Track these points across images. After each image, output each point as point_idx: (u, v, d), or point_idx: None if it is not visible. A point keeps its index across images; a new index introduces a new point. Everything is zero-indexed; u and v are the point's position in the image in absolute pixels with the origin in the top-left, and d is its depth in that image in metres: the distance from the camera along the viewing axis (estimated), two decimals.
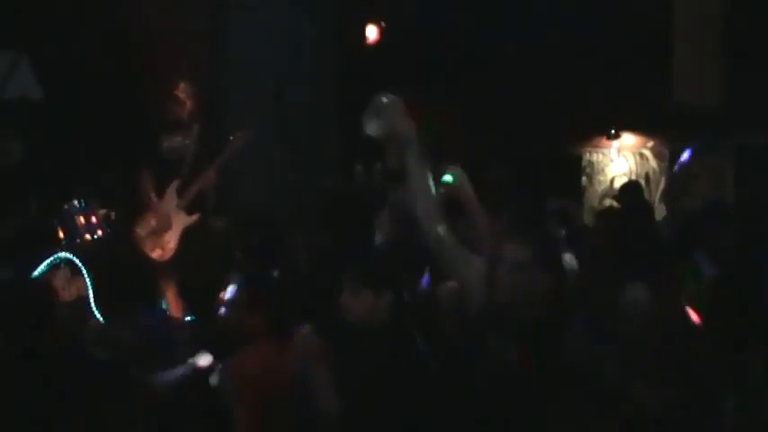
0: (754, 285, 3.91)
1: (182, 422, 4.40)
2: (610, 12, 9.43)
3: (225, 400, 4.19)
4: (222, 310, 4.86)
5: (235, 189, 7.73)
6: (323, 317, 4.23)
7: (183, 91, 6.72)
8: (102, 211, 6.36)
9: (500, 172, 6.60)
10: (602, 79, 9.74)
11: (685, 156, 5.95)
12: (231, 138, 6.70)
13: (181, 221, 6.61)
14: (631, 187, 8.08)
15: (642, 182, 10.04)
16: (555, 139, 10.66)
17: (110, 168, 7.46)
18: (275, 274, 5.53)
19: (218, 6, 8.69)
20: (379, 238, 5.59)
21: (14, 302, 3.99)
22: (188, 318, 5.44)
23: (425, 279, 4.99)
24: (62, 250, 5.21)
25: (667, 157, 10.46)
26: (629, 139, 10.98)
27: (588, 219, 8.99)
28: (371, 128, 3.77)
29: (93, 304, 4.97)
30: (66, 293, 4.85)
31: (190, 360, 4.59)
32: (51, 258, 4.94)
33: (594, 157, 11.15)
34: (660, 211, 9.38)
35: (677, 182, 6.13)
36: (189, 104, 6.73)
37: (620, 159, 11.01)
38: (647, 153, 10.90)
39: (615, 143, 10.98)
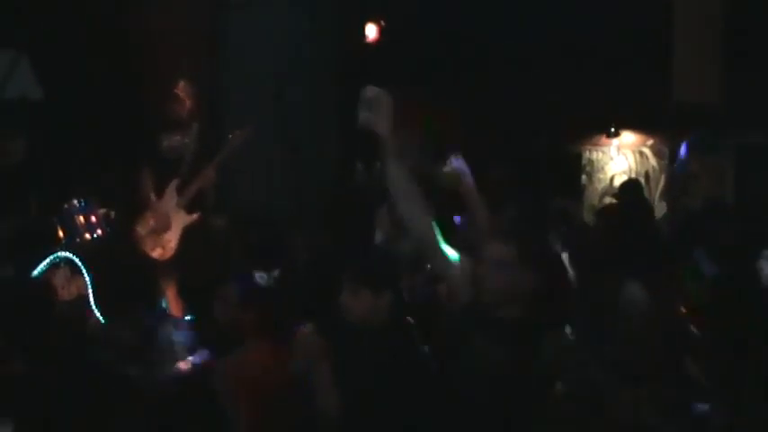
0: (753, 285, 3.91)
1: (182, 422, 4.40)
2: (610, 12, 9.43)
3: (220, 399, 4.18)
4: (216, 309, 4.85)
5: (234, 188, 7.72)
6: (323, 317, 4.23)
7: (182, 89, 6.72)
8: (102, 211, 6.35)
9: (500, 172, 6.60)
10: (601, 77, 9.74)
11: (682, 150, 5.96)
12: (230, 136, 6.70)
13: (181, 220, 6.61)
14: (631, 185, 8.08)
15: (642, 180, 10.04)
16: (555, 137, 10.67)
17: (110, 168, 7.46)
18: (275, 273, 5.54)
19: (218, 6, 8.68)
20: (379, 238, 5.59)
21: (14, 302, 4.01)
22: (188, 317, 5.43)
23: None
24: (62, 249, 5.21)
25: (667, 155, 10.47)
26: (628, 138, 10.98)
27: (588, 217, 8.99)
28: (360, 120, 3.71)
29: (92, 303, 4.97)
30: (66, 292, 4.84)
31: (189, 359, 4.59)
32: (51, 257, 4.94)
33: (594, 156, 11.15)
34: (660, 210, 9.40)
35: (677, 181, 6.13)
36: (188, 103, 6.74)
37: (620, 157, 11.01)
38: (647, 151, 10.91)
39: (615, 141, 10.99)
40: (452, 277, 3.62)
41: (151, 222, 6.58)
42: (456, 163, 4.29)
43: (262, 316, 4.24)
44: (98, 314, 4.95)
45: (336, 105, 8.76)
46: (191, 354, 4.72)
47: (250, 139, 6.72)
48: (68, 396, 3.66)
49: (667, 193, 7.70)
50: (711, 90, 8.40)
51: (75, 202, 6.25)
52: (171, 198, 6.64)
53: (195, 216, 6.64)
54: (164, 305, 5.87)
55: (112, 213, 6.45)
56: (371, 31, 9.55)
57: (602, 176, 11.07)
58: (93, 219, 6.25)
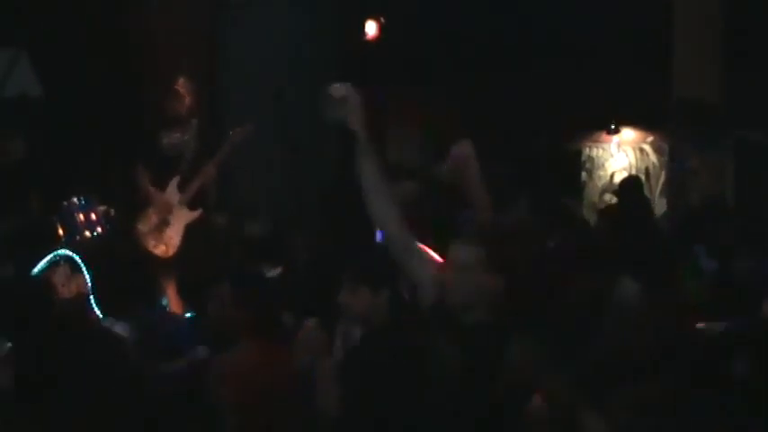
0: (752, 281, 3.91)
1: (181, 420, 4.40)
2: (610, 12, 9.43)
3: (215, 398, 4.18)
4: (211, 307, 4.84)
5: (234, 188, 7.73)
6: (323, 316, 4.24)
7: (182, 86, 6.72)
8: (102, 208, 6.36)
9: (500, 171, 6.59)
10: (602, 75, 9.75)
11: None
12: (231, 133, 6.71)
13: (184, 217, 6.61)
14: (631, 182, 8.06)
15: (642, 177, 10.03)
16: (555, 135, 10.67)
17: (110, 165, 7.47)
18: (276, 272, 5.55)
19: (218, 6, 8.69)
20: (378, 237, 5.58)
21: (14, 300, 4.00)
22: (188, 314, 5.44)
23: None
24: (62, 247, 5.20)
25: (667, 152, 10.46)
26: (629, 134, 10.99)
27: (588, 214, 8.99)
28: (326, 117, 3.68)
29: (93, 301, 4.96)
30: (66, 291, 4.83)
31: (189, 356, 4.59)
32: (51, 256, 4.93)
33: (594, 152, 11.15)
34: (660, 207, 9.40)
35: (677, 178, 6.13)
36: (188, 100, 6.73)
37: (620, 154, 11.01)
38: (647, 148, 10.91)
39: (615, 138, 10.98)
40: (420, 278, 3.58)
41: (153, 219, 6.58)
42: (462, 148, 4.18)
43: (256, 315, 4.23)
44: (98, 312, 4.94)
45: None
46: (191, 351, 4.71)
47: (250, 138, 6.72)
48: (68, 394, 3.65)
49: (668, 191, 7.71)
50: (712, 89, 8.41)
51: (76, 199, 6.25)
52: (173, 194, 6.64)
53: (198, 213, 6.64)
54: (164, 303, 5.88)
55: (112, 211, 6.45)
56: (371, 28, 9.55)
57: (602, 173, 11.07)
58: (93, 216, 6.25)
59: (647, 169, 10.78)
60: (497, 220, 4.15)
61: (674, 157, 8.99)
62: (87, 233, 6.17)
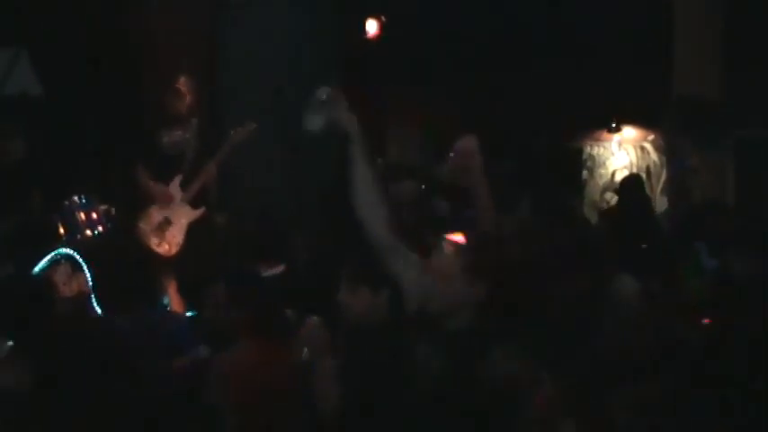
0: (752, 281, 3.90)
1: (182, 418, 4.40)
2: (610, 11, 9.44)
3: (214, 397, 4.18)
4: (208, 306, 4.85)
5: (234, 188, 7.73)
6: (322, 315, 4.23)
7: (183, 84, 6.72)
8: (103, 207, 6.37)
9: (501, 170, 6.59)
10: (602, 74, 9.75)
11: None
12: (233, 132, 6.71)
13: (186, 216, 6.61)
14: (632, 181, 8.07)
15: (643, 175, 10.03)
16: (555, 135, 10.66)
17: (110, 165, 7.47)
18: (278, 270, 5.55)
19: (218, 6, 8.69)
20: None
21: (15, 299, 4.01)
22: (189, 313, 5.44)
23: None
24: (63, 246, 5.21)
25: (668, 150, 10.44)
26: (630, 133, 10.98)
27: (589, 213, 9.00)
28: (312, 123, 3.71)
29: (94, 300, 4.97)
30: (67, 289, 4.84)
31: (191, 356, 4.60)
32: (52, 254, 4.94)
33: (595, 151, 11.14)
34: (662, 205, 9.40)
35: (677, 176, 6.13)
36: (188, 98, 6.73)
37: (621, 153, 11.01)
38: (648, 146, 10.90)
39: (616, 136, 10.98)
40: (404, 281, 3.57)
41: (155, 217, 6.58)
42: (467, 142, 4.12)
43: (254, 314, 4.23)
44: (99, 311, 4.95)
45: None
46: (192, 350, 4.71)
47: (251, 137, 6.72)
48: (69, 392, 3.65)
49: (669, 189, 7.69)
50: (712, 88, 8.42)
51: (76, 198, 6.26)
52: (175, 192, 6.64)
53: (201, 211, 6.64)
54: (165, 302, 5.88)
55: (113, 210, 6.46)
56: (372, 27, 9.55)
57: (603, 172, 11.06)
58: (94, 215, 6.26)
59: (647, 167, 10.78)
60: (499, 220, 4.14)
61: (671, 155, 9.00)
62: (88, 232, 6.17)
